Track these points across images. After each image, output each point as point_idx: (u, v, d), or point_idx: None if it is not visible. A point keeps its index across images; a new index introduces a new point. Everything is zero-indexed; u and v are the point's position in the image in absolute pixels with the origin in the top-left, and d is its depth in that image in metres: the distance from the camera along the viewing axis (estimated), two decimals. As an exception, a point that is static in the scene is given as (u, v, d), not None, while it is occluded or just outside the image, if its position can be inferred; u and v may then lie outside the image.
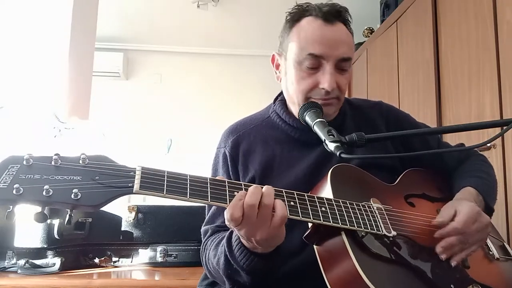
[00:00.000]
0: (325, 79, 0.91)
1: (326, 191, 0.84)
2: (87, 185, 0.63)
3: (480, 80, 1.86)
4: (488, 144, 1.66)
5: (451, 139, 1.15)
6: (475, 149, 1.15)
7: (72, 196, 0.61)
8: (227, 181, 0.73)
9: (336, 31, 0.93)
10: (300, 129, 1.00)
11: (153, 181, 0.67)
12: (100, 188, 0.64)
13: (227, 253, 0.82)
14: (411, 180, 1.00)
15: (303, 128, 0.97)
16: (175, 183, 0.69)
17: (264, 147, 1.01)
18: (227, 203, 0.71)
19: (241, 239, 0.77)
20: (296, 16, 0.97)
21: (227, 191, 0.72)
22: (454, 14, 2.11)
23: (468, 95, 1.94)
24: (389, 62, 2.84)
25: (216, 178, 0.74)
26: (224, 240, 0.84)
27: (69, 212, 0.65)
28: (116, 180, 0.65)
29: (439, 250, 0.83)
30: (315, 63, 0.92)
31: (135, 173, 0.67)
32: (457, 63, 2.06)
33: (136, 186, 0.65)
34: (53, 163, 0.64)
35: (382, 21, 3.07)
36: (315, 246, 0.81)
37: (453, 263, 0.83)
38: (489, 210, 0.97)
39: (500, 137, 1.66)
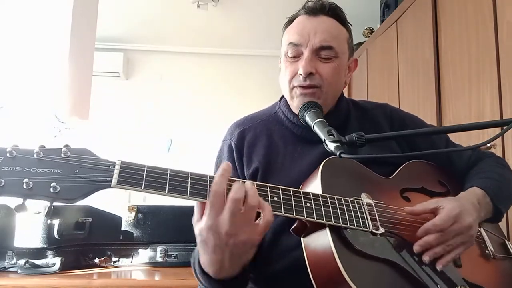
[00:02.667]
0: (301, 64, 0.97)
1: (315, 184, 0.83)
2: (66, 179, 0.64)
3: (480, 80, 1.86)
4: (488, 144, 1.66)
5: (452, 139, 1.15)
6: (487, 149, 1.14)
7: (51, 190, 0.63)
8: (209, 176, 0.73)
9: (316, 22, 0.99)
10: (301, 127, 1.02)
11: (132, 175, 0.68)
12: (79, 182, 0.65)
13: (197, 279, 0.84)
14: (411, 172, 0.99)
15: (305, 126, 0.99)
16: (154, 178, 0.69)
17: (268, 140, 1.03)
18: (206, 199, 0.70)
19: (207, 263, 0.76)
20: (291, 18, 1.05)
21: (208, 186, 0.71)
22: (454, 14, 2.11)
23: (468, 95, 1.94)
24: (389, 62, 2.84)
25: (199, 173, 0.73)
26: (192, 266, 0.85)
27: (49, 205, 0.66)
28: (95, 174, 0.66)
29: (417, 248, 0.81)
30: (295, 51, 0.99)
31: (114, 167, 0.67)
32: (457, 63, 2.06)
33: (114, 180, 0.66)
34: (35, 155, 0.65)
35: (382, 21, 3.07)
36: (302, 239, 0.81)
37: (439, 266, 0.81)
38: (498, 213, 0.95)
39: (500, 137, 1.66)
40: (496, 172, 1.01)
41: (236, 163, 1.02)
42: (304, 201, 0.77)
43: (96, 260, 1.58)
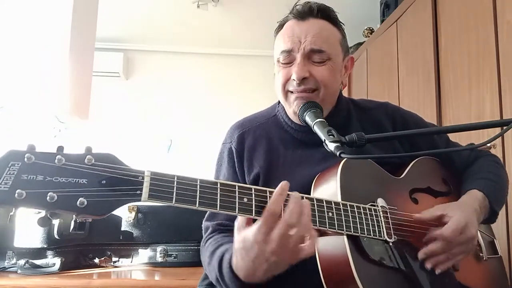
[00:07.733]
0: (293, 69, 0.95)
1: (333, 185, 0.85)
2: (93, 192, 0.59)
3: (480, 80, 1.86)
4: (488, 144, 1.66)
5: (451, 139, 1.16)
6: (487, 149, 1.17)
7: (78, 204, 0.58)
8: (237, 185, 0.72)
9: (305, 26, 0.97)
10: (301, 131, 1.02)
11: (162, 188, 0.65)
12: (107, 196, 0.60)
13: (218, 277, 0.83)
14: (419, 171, 1.02)
15: (304, 130, 0.99)
16: (185, 190, 0.66)
17: (268, 144, 1.02)
18: (235, 211, 0.70)
19: (238, 265, 0.75)
20: (281, 23, 1.03)
21: (237, 197, 0.71)
22: (454, 14, 2.11)
23: (468, 95, 1.94)
24: (389, 62, 2.84)
25: (228, 183, 0.73)
26: (216, 264, 0.83)
27: (74, 218, 0.62)
28: (124, 187, 0.62)
29: (422, 256, 0.86)
30: (288, 57, 0.97)
31: (143, 178, 0.64)
32: (457, 63, 2.06)
33: (145, 195, 0.63)
34: (56, 162, 0.59)
35: (382, 21, 3.07)
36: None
37: (437, 271, 0.86)
38: (494, 214, 0.98)
39: (500, 137, 1.66)
40: (492, 172, 1.04)
41: (237, 168, 1.01)
42: (326, 211, 0.78)
43: (96, 260, 1.58)
